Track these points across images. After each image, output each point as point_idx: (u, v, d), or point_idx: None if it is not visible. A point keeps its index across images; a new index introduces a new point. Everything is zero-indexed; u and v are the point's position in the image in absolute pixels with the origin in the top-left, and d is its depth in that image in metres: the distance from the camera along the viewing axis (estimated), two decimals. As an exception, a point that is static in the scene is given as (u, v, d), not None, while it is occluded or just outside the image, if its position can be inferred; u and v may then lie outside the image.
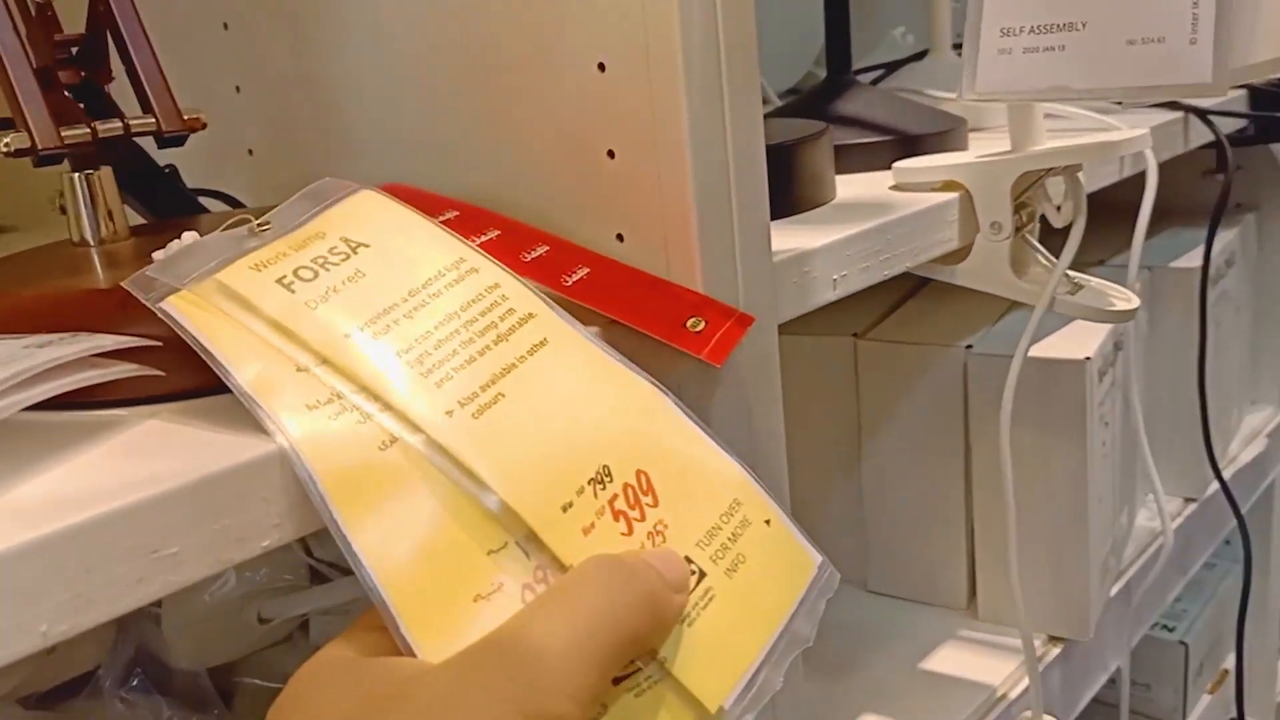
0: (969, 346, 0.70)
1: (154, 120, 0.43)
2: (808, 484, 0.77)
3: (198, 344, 0.31)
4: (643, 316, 0.39)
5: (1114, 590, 0.77)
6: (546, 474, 0.32)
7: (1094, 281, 0.57)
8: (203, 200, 0.53)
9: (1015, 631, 0.71)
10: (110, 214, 0.43)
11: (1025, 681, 0.67)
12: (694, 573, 0.32)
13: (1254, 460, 0.98)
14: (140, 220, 0.50)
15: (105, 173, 0.43)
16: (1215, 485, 0.89)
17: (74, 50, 0.42)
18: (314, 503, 0.29)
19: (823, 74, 0.69)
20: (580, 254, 0.42)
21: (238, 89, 0.55)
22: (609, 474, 0.33)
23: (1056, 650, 0.71)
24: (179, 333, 0.31)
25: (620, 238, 0.44)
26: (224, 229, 0.34)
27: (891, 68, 0.88)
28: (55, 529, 0.26)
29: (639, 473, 0.33)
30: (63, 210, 0.43)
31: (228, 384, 0.30)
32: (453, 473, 0.31)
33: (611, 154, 0.42)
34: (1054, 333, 0.69)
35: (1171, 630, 0.99)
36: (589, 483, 0.32)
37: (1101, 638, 0.75)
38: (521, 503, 0.31)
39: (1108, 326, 0.69)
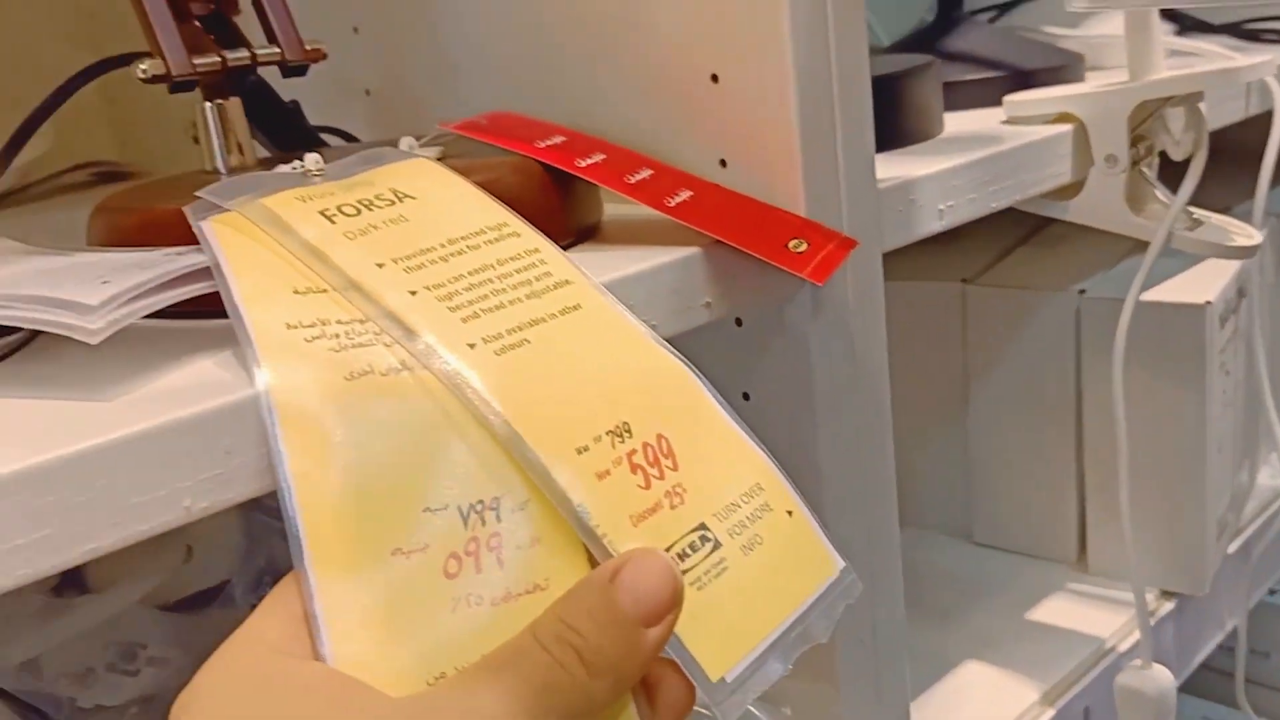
0: (1082, 291, 0.68)
1: (278, 50, 0.45)
2: (911, 433, 0.77)
3: (214, 260, 0.32)
4: (745, 237, 0.40)
5: (1232, 548, 0.75)
6: (563, 417, 0.31)
7: (1214, 218, 0.55)
8: (323, 136, 0.55)
9: (1126, 586, 0.69)
10: (239, 145, 0.45)
11: (1136, 635, 0.65)
12: (709, 540, 0.31)
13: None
14: (266, 154, 0.52)
15: (234, 104, 0.45)
16: (1346, 445, 0.85)
17: (204, -17, 0.44)
18: (262, 417, 0.28)
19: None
20: (683, 178, 0.43)
21: (355, 30, 0.57)
22: (628, 430, 0.32)
23: (1170, 605, 0.70)
24: (204, 250, 0.32)
25: (723, 163, 0.44)
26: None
27: (1007, 7, 0.86)
28: (203, 408, 0.28)
29: (659, 436, 0.32)
30: (196, 140, 0.46)
31: (225, 301, 0.31)
32: (455, 411, 0.30)
33: (715, 78, 0.42)
34: (1173, 277, 0.67)
35: (1295, 597, 0.96)
36: (607, 433, 0.31)
37: (1217, 595, 0.73)
38: (535, 436, 0.30)
39: (1230, 272, 0.67)
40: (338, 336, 0.30)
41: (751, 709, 0.46)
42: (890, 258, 0.48)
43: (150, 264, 0.31)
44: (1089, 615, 0.68)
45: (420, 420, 0.30)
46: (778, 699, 0.47)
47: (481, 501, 0.29)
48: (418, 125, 0.57)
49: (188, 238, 0.36)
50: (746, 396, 0.48)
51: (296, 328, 0.30)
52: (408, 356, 0.30)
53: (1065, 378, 0.70)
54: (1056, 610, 0.70)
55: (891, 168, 0.47)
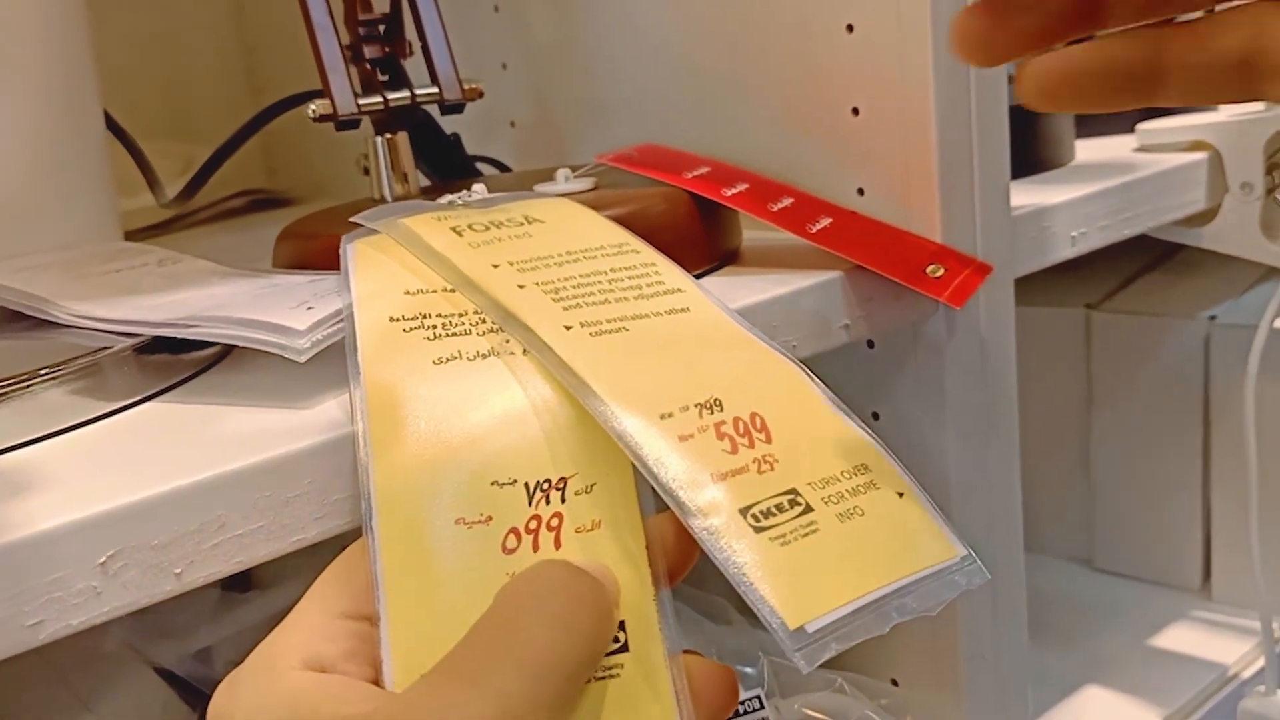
0: (1212, 317, 0.68)
1: (437, 90, 0.48)
2: (1033, 458, 0.77)
3: (344, 270, 0.35)
4: (884, 262, 0.41)
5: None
6: (649, 387, 0.31)
7: (1351, 246, 0.55)
8: (479, 165, 0.59)
9: (1252, 614, 0.68)
10: (405, 175, 0.49)
11: (1260, 661, 0.65)
12: (798, 504, 0.31)
13: None
14: (428, 183, 0.56)
15: (402, 137, 0.48)
16: None
17: (381, 28, 0.48)
18: (352, 401, 0.30)
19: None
20: (823, 205, 0.44)
21: (504, 66, 0.60)
22: (719, 405, 0.31)
23: (1299, 636, 0.69)
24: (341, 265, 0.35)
25: (861, 191, 0.46)
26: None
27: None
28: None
29: (754, 414, 0.32)
30: (365, 171, 0.49)
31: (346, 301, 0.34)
32: (536, 393, 0.31)
33: (856, 111, 0.44)
34: (1306, 305, 0.66)
35: None
36: (695, 405, 0.31)
37: (1351, 629, 0.71)
38: (617, 401, 0.30)
39: (1367, 300, 0.66)
40: (435, 328, 0.32)
41: (871, 715, 0.48)
42: (1015, 282, 0.49)
43: (345, 290, 0.34)
44: (1212, 642, 0.68)
45: (498, 400, 0.31)
46: (901, 710, 0.49)
47: (549, 480, 0.30)
48: (562, 155, 0.60)
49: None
50: (876, 416, 0.49)
51: (399, 320, 0.32)
52: (498, 344, 0.32)
53: (1192, 404, 0.70)
54: (1179, 637, 0.69)
55: (1025, 195, 0.48)
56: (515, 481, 0.30)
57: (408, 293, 0.34)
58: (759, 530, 0.29)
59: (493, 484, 0.29)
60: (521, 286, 0.34)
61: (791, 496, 0.31)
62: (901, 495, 0.33)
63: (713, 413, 0.31)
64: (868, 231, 0.44)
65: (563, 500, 0.30)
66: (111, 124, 0.58)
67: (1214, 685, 0.64)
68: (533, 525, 0.29)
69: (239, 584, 0.49)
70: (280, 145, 0.84)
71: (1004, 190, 0.45)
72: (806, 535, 0.30)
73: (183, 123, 0.82)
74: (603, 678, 0.29)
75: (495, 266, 0.34)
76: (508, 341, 0.32)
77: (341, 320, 0.33)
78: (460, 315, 0.33)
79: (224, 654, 0.48)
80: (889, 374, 0.48)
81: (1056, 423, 0.76)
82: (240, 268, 0.41)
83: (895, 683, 0.51)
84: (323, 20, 0.47)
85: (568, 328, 0.32)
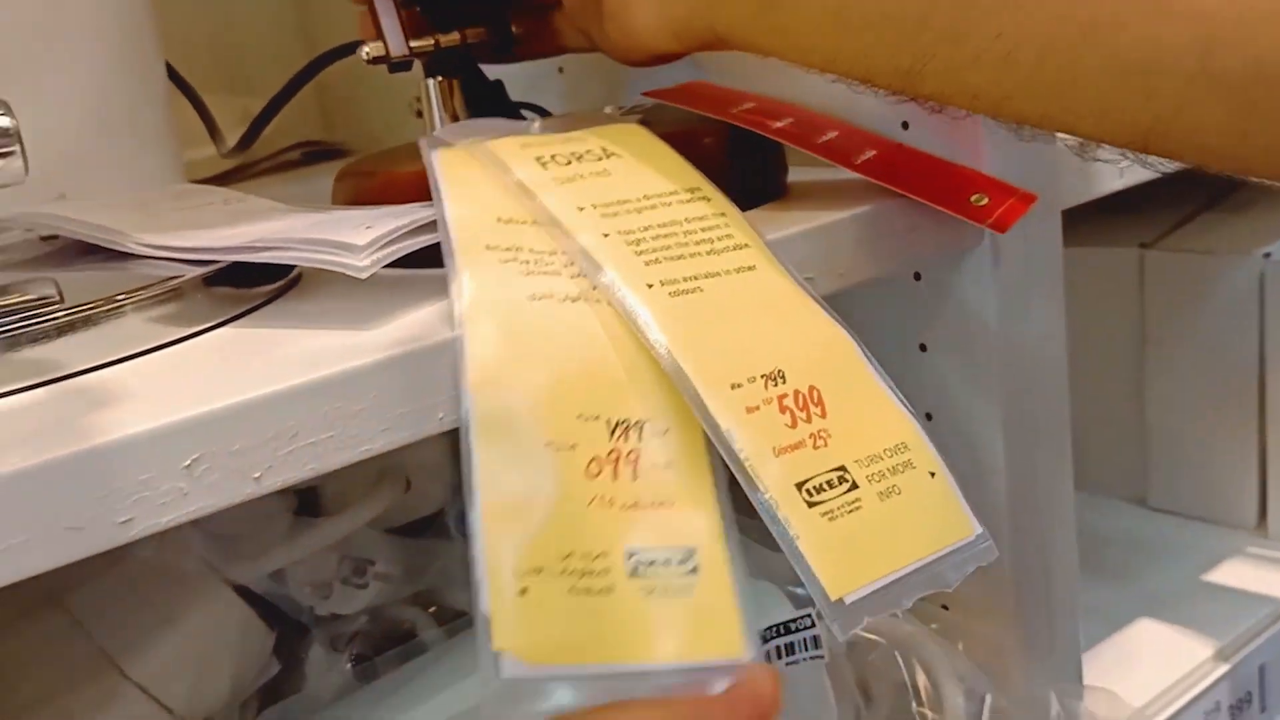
0: (1267, 255, 0.68)
1: (485, 33, 0.50)
2: (1086, 399, 0.77)
3: (434, 181, 0.37)
4: (928, 191, 0.42)
5: None
6: (722, 356, 0.34)
7: None
8: (523, 111, 0.60)
9: (1309, 552, 0.69)
10: (456, 118, 0.50)
11: (1318, 598, 0.65)
12: (846, 481, 0.34)
13: None
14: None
15: (455, 82, 0.50)
16: None
17: (430, -29, 0.49)
18: (455, 329, 0.32)
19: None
20: (868, 138, 0.45)
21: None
22: (782, 376, 0.34)
23: (1356, 573, 0.69)
24: (428, 174, 0.37)
25: (905, 125, 0.46)
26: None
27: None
28: (449, 336, 0.33)
29: (811, 387, 0.35)
30: (419, 114, 0.51)
31: (438, 219, 0.35)
32: (622, 340, 0.34)
33: (900, 42, 0.45)
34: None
35: None
36: (761, 376, 0.34)
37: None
38: (693, 367, 0.33)
39: None
40: (528, 263, 0.35)
41: (922, 637, 0.49)
42: (1068, 223, 0.49)
43: (403, 213, 0.36)
44: (1267, 577, 0.68)
45: (587, 343, 0.33)
46: (952, 635, 0.50)
47: (628, 420, 0.33)
48: (608, 99, 0.61)
49: (424, 195, 0.41)
50: (923, 348, 0.50)
51: (495, 249, 0.35)
52: (588, 289, 0.35)
53: (1248, 343, 0.69)
54: (1234, 573, 0.69)
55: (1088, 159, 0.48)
56: (599, 418, 0.32)
57: (500, 220, 0.36)
58: (811, 505, 0.33)
59: (578, 417, 0.32)
60: (606, 235, 0.36)
61: (840, 473, 0.34)
62: (933, 475, 0.36)
63: (776, 384, 0.34)
64: (912, 163, 0.44)
65: (640, 439, 0.33)
66: (173, 75, 0.60)
67: (1269, 618, 0.65)
68: (613, 456, 0.32)
69: (310, 509, 0.51)
70: (334, 98, 0.86)
71: (1050, 119, 0.45)
72: (851, 512, 0.34)
73: (236, 76, 0.84)
74: (678, 595, 0.31)
75: (580, 210, 0.36)
76: (594, 289, 0.35)
77: (397, 239, 0.34)
78: (551, 254, 0.35)
79: (297, 575, 0.50)
80: (936, 306, 0.49)
81: (1111, 363, 0.76)
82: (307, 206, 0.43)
83: (945, 609, 0.52)
84: (373, -37, 0.48)
85: (649, 285, 0.35)
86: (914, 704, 0.47)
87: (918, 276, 0.49)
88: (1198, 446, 0.74)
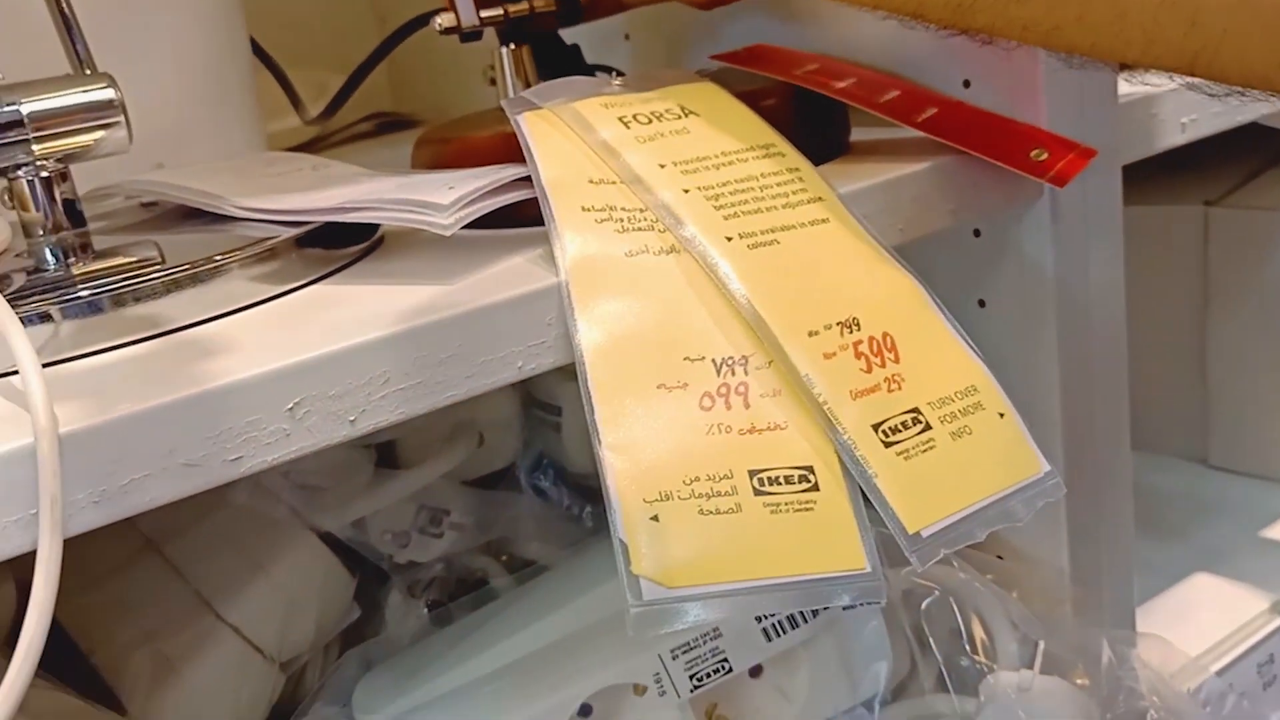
0: (1333, 211, 0.67)
1: (555, 2, 0.51)
2: (1147, 358, 0.77)
3: (525, 144, 0.38)
4: (988, 148, 0.43)
5: None
6: (799, 304, 0.36)
7: None
8: (597, 73, 0.61)
9: (1372, 510, 0.68)
10: (528, 82, 0.52)
11: (1381, 555, 0.65)
12: (919, 423, 0.36)
13: None
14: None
15: (525, 49, 0.51)
16: None
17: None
18: (560, 284, 0.35)
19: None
20: (929, 96, 0.46)
21: (618, -22, 0.63)
22: (857, 324, 0.36)
23: None
24: (518, 136, 0.39)
25: (967, 84, 0.47)
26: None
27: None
28: (530, 289, 0.35)
29: (885, 334, 0.36)
30: (491, 82, 0.53)
31: (535, 181, 0.37)
32: (707, 288, 0.36)
33: (961, 3, 0.45)
34: None
35: None
36: (837, 324, 0.36)
37: None
38: (773, 316, 0.35)
39: None
40: (621, 221, 0.37)
41: (978, 585, 0.50)
42: (1132, 181, 0.49)
43: (484, 174, 0.38)
44: (1328, 536, 0.68)
45: (683, 293, 0.36)
46: (1008, 584, 0.51)
47: (732, 358, 0.35)
48: (673, 65, 0.62)
49: (500, 159, 0.43)
50: (982, 304, 0.51)
51: (590, 210, 0.37)
52: (676, 242, 0.37)
53: (1312, 300, 0.69)
54: (1294, 531, 0.69)
55: (1135, 84, 0.49)
56: (704, 358, 0.35)
57: (591, 181, 0.38)
58: (887, 445, 0.35)
59: (685, 359, 0.35)
60: (686, 191, 0.38)
61: (914, 414, 0.36)
62: (1002, 415, 0.37)
63: (851, 331, 0.36)
64: (973, 120, 0.45)
65: (746, 372, 0.35)
66: (257, 50, 0.63)
67: (1327, 574, 0.65)
68: (723, 390, 0.34)
69: (389, 463, 0.54)
70: (402, 70, 0.88)
71: (1111, 77, 0.46)
72: (925, 451, 0.35)
73: (310, 51, 0.86)
74: (800, 510, 0.33)
75: (662, 167, 0.38)
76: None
77: (479, 199, 0.36)
78: (641, 211, 0.37)
79: (377, 524, 0.53)
80: (995, 262, 0.50)
81: (1174, 322, 0.76)
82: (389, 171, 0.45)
83: (1000, 558, 0.53)
84: (443, -65, 0.50)
85: (729, 239, 0.37)
86: (967, 650, 0.48)
87: (977, 233, 0.50)
88: (1259, 405, 0.74)
